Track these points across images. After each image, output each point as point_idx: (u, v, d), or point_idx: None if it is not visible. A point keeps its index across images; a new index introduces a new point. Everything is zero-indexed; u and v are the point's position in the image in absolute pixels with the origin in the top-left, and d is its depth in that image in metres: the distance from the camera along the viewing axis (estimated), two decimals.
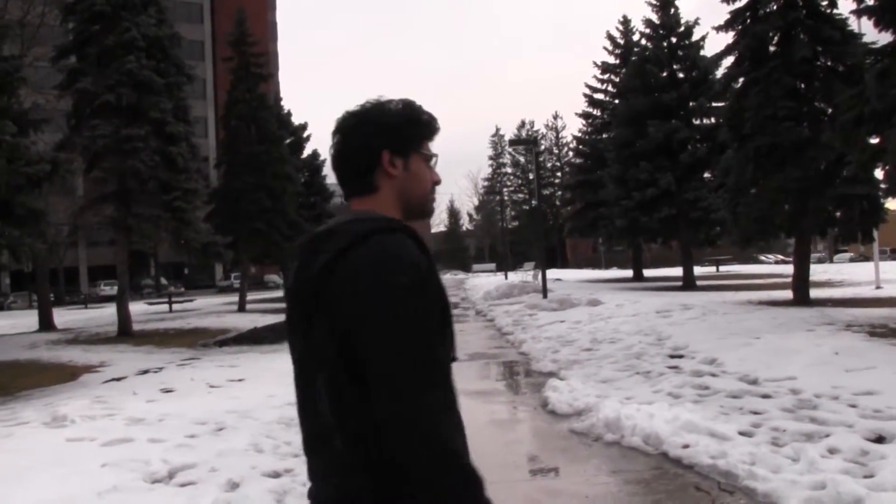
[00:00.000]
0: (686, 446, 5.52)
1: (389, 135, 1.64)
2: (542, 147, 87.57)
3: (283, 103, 39.71)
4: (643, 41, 30.94)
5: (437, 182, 1.73)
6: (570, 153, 67.31)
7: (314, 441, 1.57)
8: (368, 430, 1.43)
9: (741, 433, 5.74)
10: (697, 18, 28.96)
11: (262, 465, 5.36)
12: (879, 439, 5.34)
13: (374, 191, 1.65)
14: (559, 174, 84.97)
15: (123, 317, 19.12)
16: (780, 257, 64.96)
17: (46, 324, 22.76)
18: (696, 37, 28.97)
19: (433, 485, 1.39)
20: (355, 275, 1.45)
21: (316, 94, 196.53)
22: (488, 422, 7.27)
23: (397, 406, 1.39)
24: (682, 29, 29.00)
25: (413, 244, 1.52)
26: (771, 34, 16.62)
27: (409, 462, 1.39)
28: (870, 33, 13.63)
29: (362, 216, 1.57)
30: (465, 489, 1.42)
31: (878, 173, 14.21)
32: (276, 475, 5.19)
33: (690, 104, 28.29)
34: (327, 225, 1.59)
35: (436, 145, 1.73)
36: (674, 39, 29.08)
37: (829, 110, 15.77)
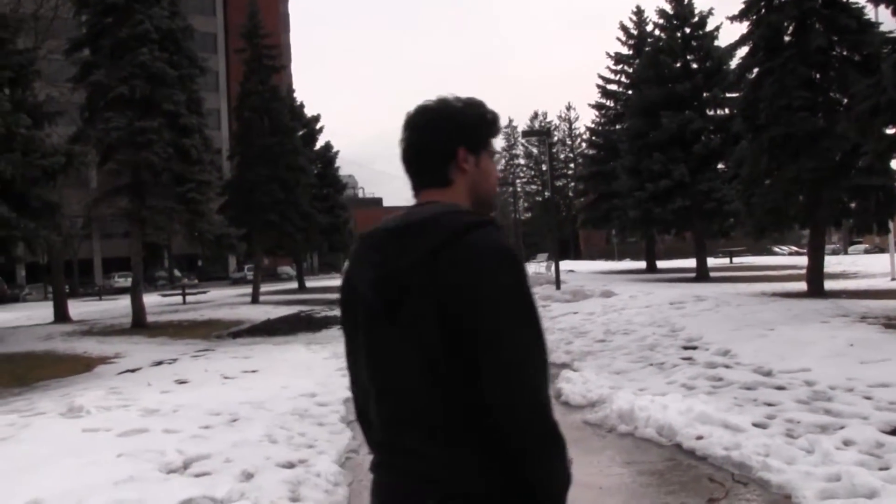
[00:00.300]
0: (700, 438, 5.51)
1: (465, 132, 1.74)
2: (555, 138, 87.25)
3: (295, 95, 39.77)
4: (657, 31, 30.74)
5: (499, 178, 1.79)
6: (584, 144, 67.03)
7: (397, 419, 1.63)
8: (472, 407, 1.52)
9: (755, 425, 5.72)
10: (711, 8, 28.87)
11: (276, 456, 5.39)
12: (895, 431, 5.31)
13: (448, 184, 1.73)
14: (572, 165, 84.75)
15: (138, 308, 19.23)
16: (794, 249, 64.54)
17: (61, 315, 22.90)
18: (710, 27, 28.79)
19: (543, 457, 1.55)
20: (470, 265, 1.52)
21: (328, 86, 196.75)
22: None
23: (520, 388, 1.50)
24: (696, 19, 28.80)
25: (505, 237, 1.62)
26: (786, 24, 16.48)
27: (527, 439, 1.52)
28: (887, 22, 13.54)
29: (450, 209, 1.63)
30: (563, 459, 1.59)
31: (894, 164, 14.10)
32: (290, 465, 5.22)
33: (704, 95, 28.13)
34: (409, 216, 1.65)
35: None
36: (688, 30, 28.89)
37: (845, 100, 15.63)
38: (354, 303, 1.71)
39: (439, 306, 1.51)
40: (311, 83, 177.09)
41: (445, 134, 1.72)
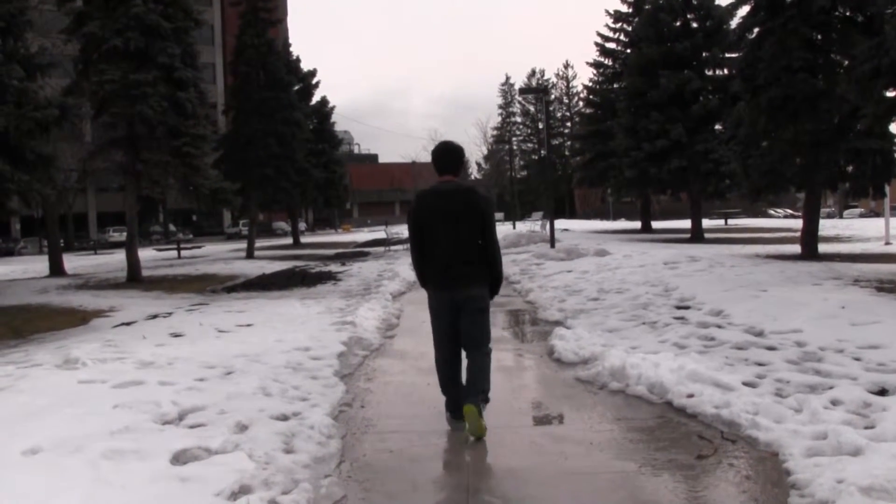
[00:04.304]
0: (690, 395, 5.57)
1: (464, 155, 5.48)
2: (553, 96, 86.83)
3: (291, 49, 39.33)
4: None
5: None
6: (581, 103, 66.66)
7: (463, 257, 5.07)
8: (485, 254, 5.14)
9: (745, 384, 5.77)
10: None
11: (270, 409, 5.44)
12: (882, 392, 5.37)
13: (458, 173, 5.29)
14: (569, 124, 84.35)
15: (132, 262, 19.23)
16: (790, 211, 64.69)
17: (56, 269, 22.91)
18: None
19: (500, 271, 5.26)
20: (486, 202, 5.14)
21: (324, 42, 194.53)
22: (495, 368, 7.27)
23: (496, 248, 5.20)
24: None
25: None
26: None
27: (498, 263, 5.21)
28: None
29: (470, 183, 4.13)
30: (502, 266, 5.35)
31: (893, 128, 14.04)
32: (284, 418, 5.27)
33: (703, 54, 27.90)
34: (460, 185, 5.17)
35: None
36: None
37: (846, 62, 15.49)
38: (436, 214, 5.07)
39: (476, 214, 5.04)
40: (308, 39, 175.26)
41: (462, 155, 5.39)
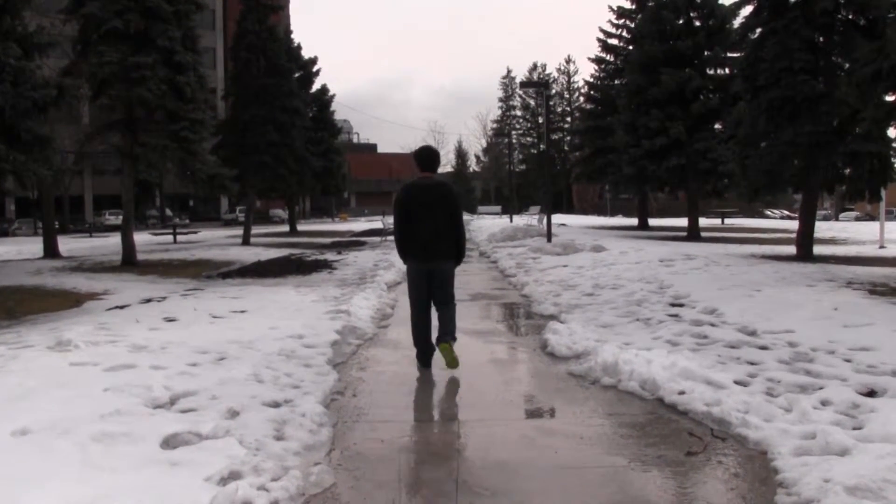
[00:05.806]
0: (682, 393, 5.58)
1: (439, 157, 7.25)
2: (553, 91, 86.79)
3: (292, 37, 39.21)
4: None
5: None
6: (581, 98, 66.48)
7: (437, 237, 6.76)
8: (455, 236, 6.91)
9: (737, 382, 5.79)
10: None
11: (262, 395, 5.44)
12: (871, 393, 5.39)
13: (435, 171, 6.99)
14: (569, 119, 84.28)
15: (128, 246, 19.17)
16: (786, 213, 64.79)
17: (51, 251, 22.83)
18: None
19: (463, 247, 7.07)
20: (454, 194, 6.92)
21: (326, 32, 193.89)
22: (487, 361, 7.36)
23: (462, 230, 6.99)
24: None
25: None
26: None
27: (462, 243, 7.04)
28: None
29: (445, 179, 7.43)
30: (465, 246, 7.21)
31: (892, 132, 14.04)
32: (275, 405, 5.27)
33: (705, 53, 27.84)
34: (436, 179, 6.87)
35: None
36: None
37: (847, 65, 15.48)
38: (418, 203, 6.70)
39: (449, 204, 6.78)
40: (309, 26, 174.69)
41: (439, 158, 7.19)
